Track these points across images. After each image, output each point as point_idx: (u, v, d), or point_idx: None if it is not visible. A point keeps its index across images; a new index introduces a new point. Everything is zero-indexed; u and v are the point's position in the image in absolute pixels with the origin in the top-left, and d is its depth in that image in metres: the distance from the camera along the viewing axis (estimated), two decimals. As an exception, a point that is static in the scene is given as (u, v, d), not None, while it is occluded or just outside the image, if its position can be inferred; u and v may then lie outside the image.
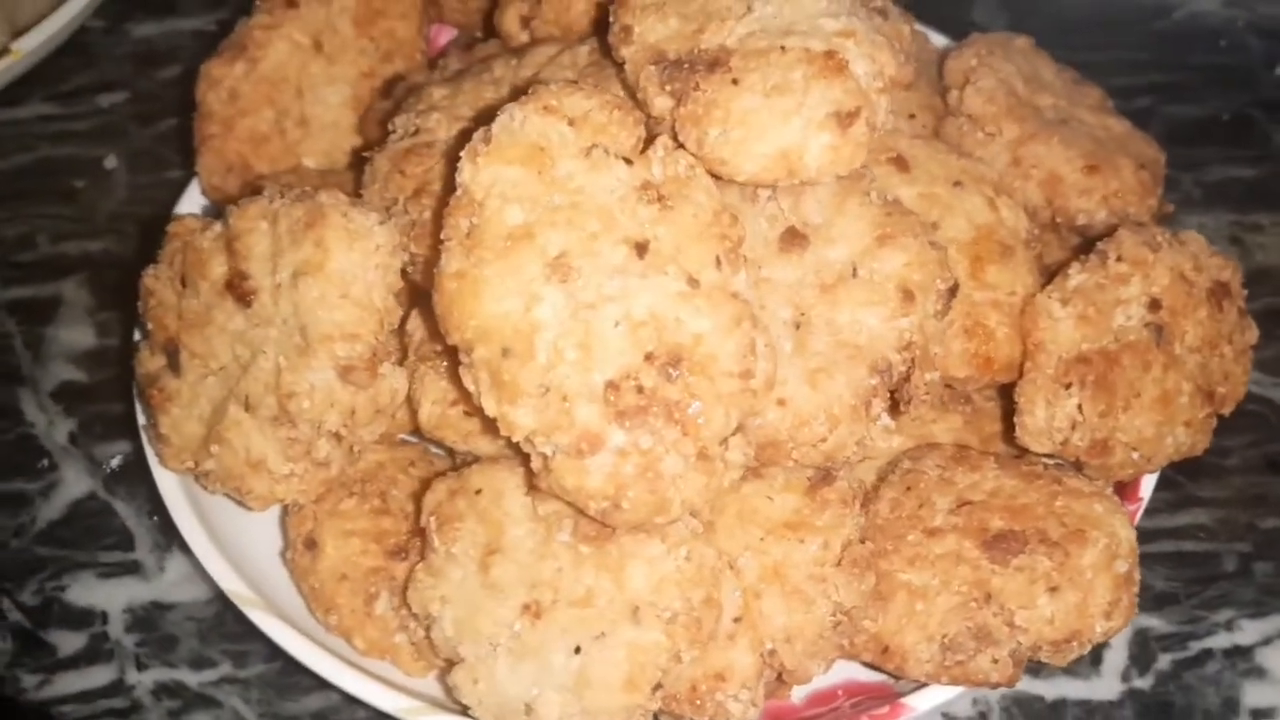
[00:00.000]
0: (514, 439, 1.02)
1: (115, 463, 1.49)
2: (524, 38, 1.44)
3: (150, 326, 1.28)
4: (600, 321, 1.01)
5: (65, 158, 1.81)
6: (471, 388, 1.05)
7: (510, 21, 1.44)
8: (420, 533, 1.20)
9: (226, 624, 1.36)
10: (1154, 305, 1.19)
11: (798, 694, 1.21)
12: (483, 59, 1.39)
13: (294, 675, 1.31)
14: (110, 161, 1.81)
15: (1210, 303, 1.22)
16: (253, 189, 1.46)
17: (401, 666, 1.21)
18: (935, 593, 1.12)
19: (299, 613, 1.24)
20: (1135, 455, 1.19)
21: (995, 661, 1.09)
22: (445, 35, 1.69)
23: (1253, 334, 1.28)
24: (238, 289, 1.19)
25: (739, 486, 1.14)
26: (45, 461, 1.50)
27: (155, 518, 1.44)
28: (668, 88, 1.09)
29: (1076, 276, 1.20)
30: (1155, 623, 1.34)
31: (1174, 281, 1.20)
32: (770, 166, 1.06)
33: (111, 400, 1.53)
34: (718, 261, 1.03)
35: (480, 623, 1.10)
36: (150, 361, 1.28)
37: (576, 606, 1.06)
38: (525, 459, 1.13)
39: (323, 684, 1.28)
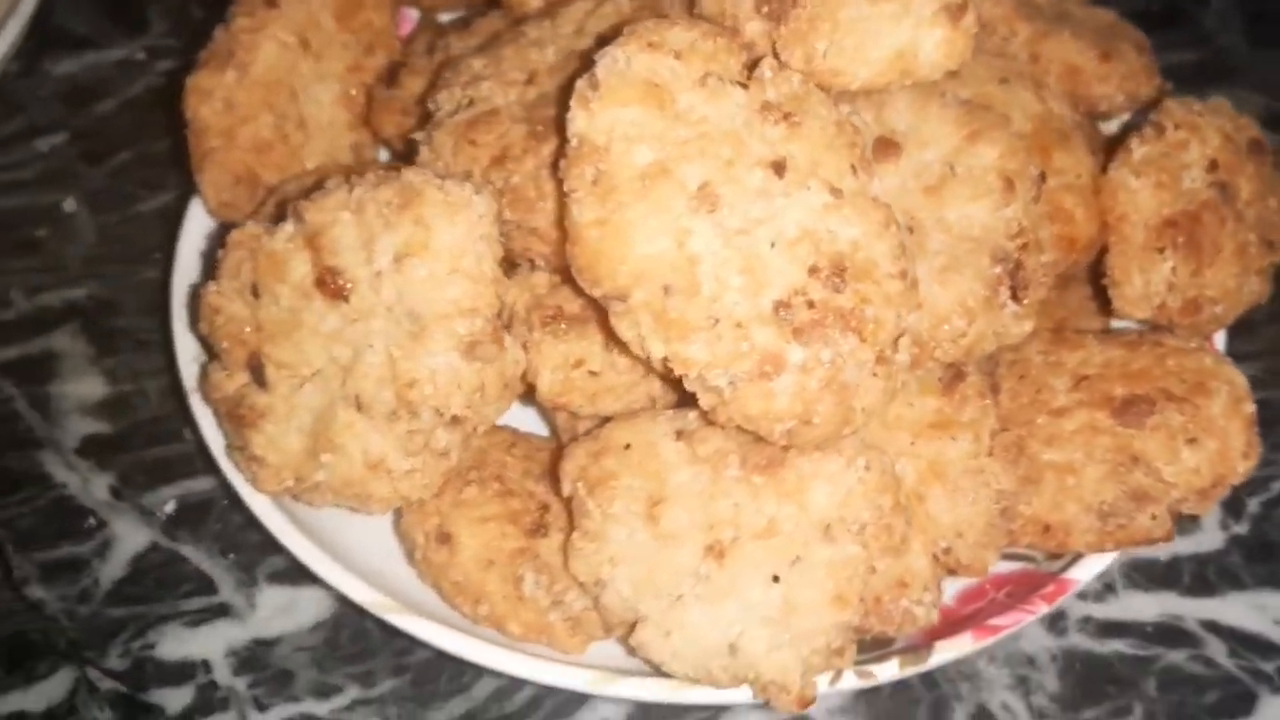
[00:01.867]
0: (688, 376, 1.01)
1: (170, 508, 1.40)
2: (536, 1, 1.41)
3: (225, 345, 1.20)
4: (756, 245, 1.01)
5: (19, 208, 1.68)
6: (630, 334, 1.03)
7: (519, -12, 1.41)
8: (550, 506, 1.17)
9: (341, 646, 1.29)
10: (1212, 166, 1.25)
11: (947, 596, 1.23)
12: (516, 22, 1.35)
13: (426, 684, 1.26)
14: (69, 205, 1.69)
15: (1253, 158, 1.29)
16: (276, 201, 1.40)
17: (558, 645, 1.18)
18: (1082, 465, 1.15)
19: (437, 611, 1.19)
20: (1219, 309, 1.25)
21: (1154, 518, 1.13)
22: (406, 24, 1.65)
23: (1287, 189, 1.36)
24: (331, 285, 1.14)
25: (879, 397, 1.15)
26: (91, 520, 1.39)
27: (231, 555, 1.36)
28: (764, 9, 1.08)
29: (1140, 149, 1.25)
30: (1236, 471, 1.40)
31: (1223, 141, 1.27)
32: (886, 70, 1.07)
33: (147, 446, 1.44)
34: (853, 169, 1.03)
35: (660, 575, 1.07)
36: (229, 382, 1.21)
37: (762, 538, 1.05)
38: (672, 404, 1.12)
39: (461, 686, 1.25)
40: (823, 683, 1.09)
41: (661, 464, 1.10)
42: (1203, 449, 1.14)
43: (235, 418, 1.20)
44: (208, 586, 1.34)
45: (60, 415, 1.48)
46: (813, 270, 1.00)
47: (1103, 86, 1.41)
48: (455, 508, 1.19)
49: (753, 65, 1.06)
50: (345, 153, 1.52)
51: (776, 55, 1.08)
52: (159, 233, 1.58)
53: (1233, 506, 1.38)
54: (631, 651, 1.10)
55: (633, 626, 1.09)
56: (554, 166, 1.10)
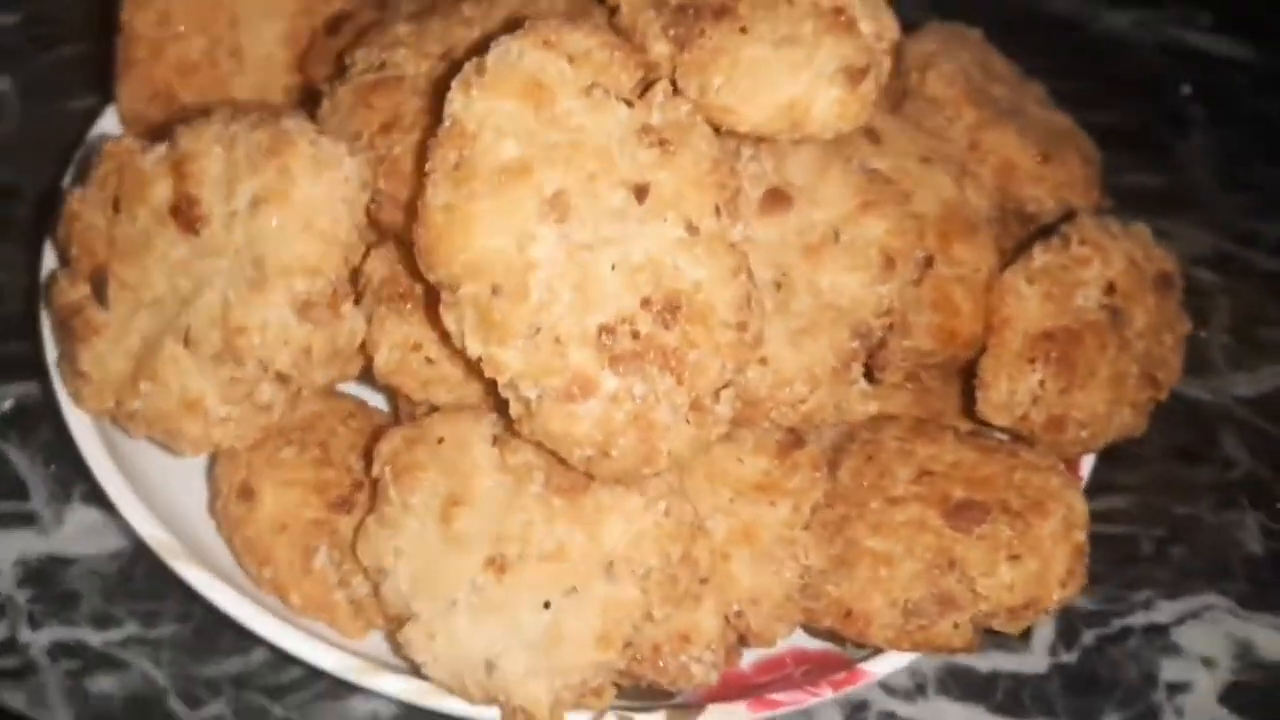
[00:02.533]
0: (500, 381, 0.98)
1: (8, 405, 1.37)
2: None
3: (74, 253, 1.18)
4: (597, 264, 0.98)
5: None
6: (453, 327, 1.00)
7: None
8: (364, 485, 1.14)
9: (135, 580, 1.26)
10: (1110, 289, 1.22)
11: (746, 661, 1.19)
12: (448, -1, 1.33)
13: (209, 637, 1.23)
14: (3, 83, 1.67)
15: (1156, 291, 1.27)
16: (180, 119, 1.37)
17: (338, 626, 1.15)
18: (899, 559, 1.12)
19: (226, 568, 1.16)
20: (1085, 433, 1.22)
21: (957, 627, 1.10)
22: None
23: (1186, 325, 1.33)
24: (186, 215, 1.11)
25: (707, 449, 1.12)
26: (-73, 406, 1.37)
27: (53, 466, 1.33)
28: (670, 33, 1.06)
29: (1041, 257, 1.22)
30: (1080, 601, 1.36)
31: (1128, 267, 1.24)
32: (776, 118, 1.04)
33: (9, 339, 1.41)
34: (717, 210, 1.01)
35: (439, 577, 1.04)
36: (71, 291, 1.18)
37: (547, 561, 1.02)
38: (494, 406, 1.08)
39: (241, 646, 1.21)
40: (583, 721, 1.06)
41: (470, 465, 1.07)
42: (1023, 568, 1.11)
43: (68, 328, 1.17)
44: (20, 491, 1.31)
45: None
46: (645, 302, 0.97)
47: (1035, 188, 1.38)
48: (266, 465, 1.16)
49: (648, 86, 1.04)
50: (278, 94, 1.49)
51: (674, 81, 1.06)
52: (81, 133, 1.55)
53: (1067, 635, 1.34)
54: (396, 647, 1.07)
55: (400, 623, 1.06)
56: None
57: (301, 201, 1.07)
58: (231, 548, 1.16)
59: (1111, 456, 1.48)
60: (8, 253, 1.49)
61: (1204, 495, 1.49)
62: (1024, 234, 1.39)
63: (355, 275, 1.15)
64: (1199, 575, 1.41)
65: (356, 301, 1.15)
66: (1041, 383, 1.18)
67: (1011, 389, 1.19)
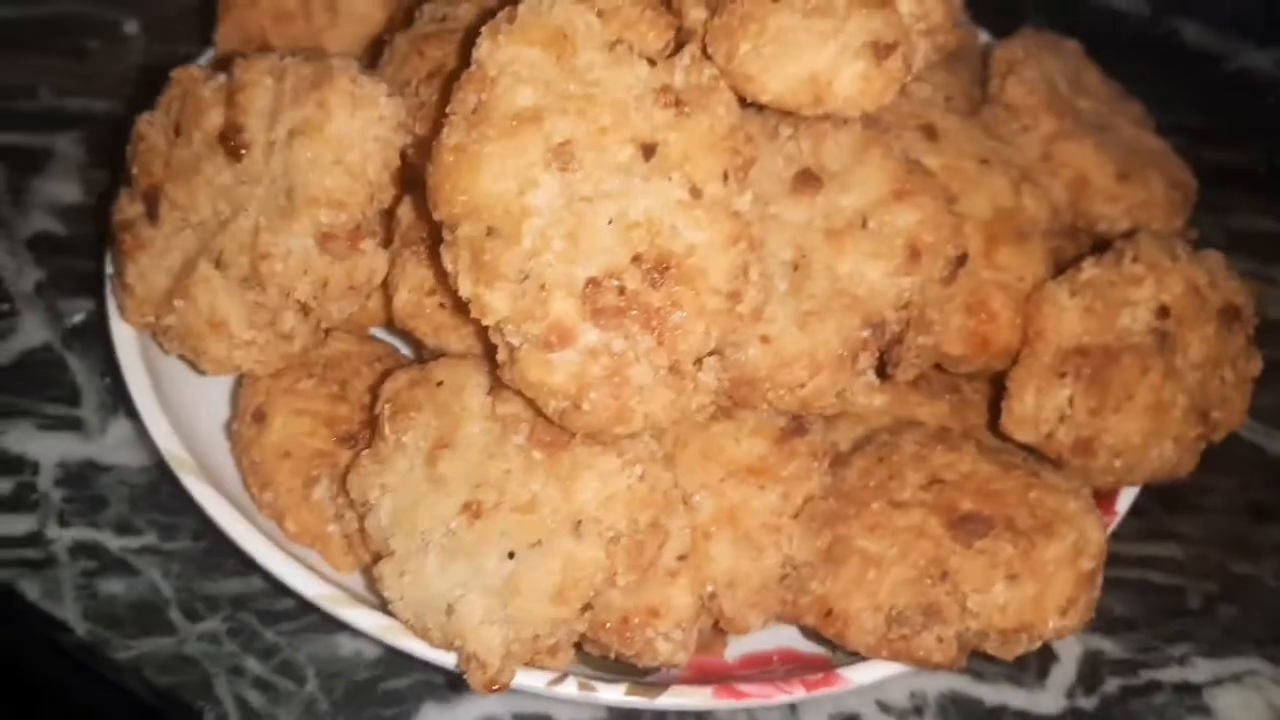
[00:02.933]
0: (485, 323, 0.98)
1: (78, 318, 1.45)
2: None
3: (135, 172, 1.23)
4: (594, 216, 0.97)
5: (83, 16, 1.77)
6: (450, 266, 1.00)
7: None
8: (373, 421, 1.15)
9: (160, 494, 1.30)
10: (1163, 312, 1.15)
11: (732, 653, 1.16)
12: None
13: (218, 556, 1.26)
14: (130, 27, 1.77)
15: (1220, 321, 1.19)
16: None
17: (329, 558, 1.16)
18: (891, 563, 1.07)
19: (235, 490, 1.19)
20: (1118, 462, 1.14)
21: (940, 641, 1.05)
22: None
23: (1256, 364, 1.24)
24: (230, 141, 1.15)
25: (708, 424, 1.10)
26: (6, 306, 1.45)
27: (107, 379, 1.39)
28: (705, -3, 1.05)
29: (1090, 270, 1.16)
30: (1108, 646, 1.29)
31: (1187, 292, 1.16)
32: (797, 89, 1.02)
33: (85, 256, 1.48)
34: (725, 176, 0.99)
35: (418, 516, 1.05)
36: (129, 208, 1.24)
37: (519, 512, 1.02)
38: (492, 356, 1.09)
39: (244, 568, 1.24)
40: (538, 680, 1.05)
41: (462, 410, 1.08)
42: (1019, 589, 1.05)
43: (119, 243, 1.22)
44: (74, 398, 1.38)
45: (29, 207, 1.55)
46: (636, 258, 0.96)
47: (1108, 207, 1.32)
48: (282, 392, 1.19)
49: (678, 48, 1.03)
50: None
51: (705, 46, 1.05)
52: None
53: (1089, 678, 1.26)
54: (371, 583, 1.08)
55: (379, 558, 1.07)
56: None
57: (334, 136, 1.10)
58: (239, 469, 1.19)
59: (1173, 503, 1.41)
60: (105, 178, 1.56)
61: (1270, 556, 1.38)
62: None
63: (388, 217, 1.17)
64: (1247, 638, 1.31)
65: (387, 244, 1.17)
66: (1070, 400, 1.12)
67: (1038, 403, 1.13)
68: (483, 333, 1.01)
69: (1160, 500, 1.41)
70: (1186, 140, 1.82)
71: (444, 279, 1.10)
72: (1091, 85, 1.43)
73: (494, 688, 1.00)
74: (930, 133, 1.23)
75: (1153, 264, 1.16)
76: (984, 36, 1.58)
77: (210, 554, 1.27)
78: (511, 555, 1.00)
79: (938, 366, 1.23)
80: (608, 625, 1.06)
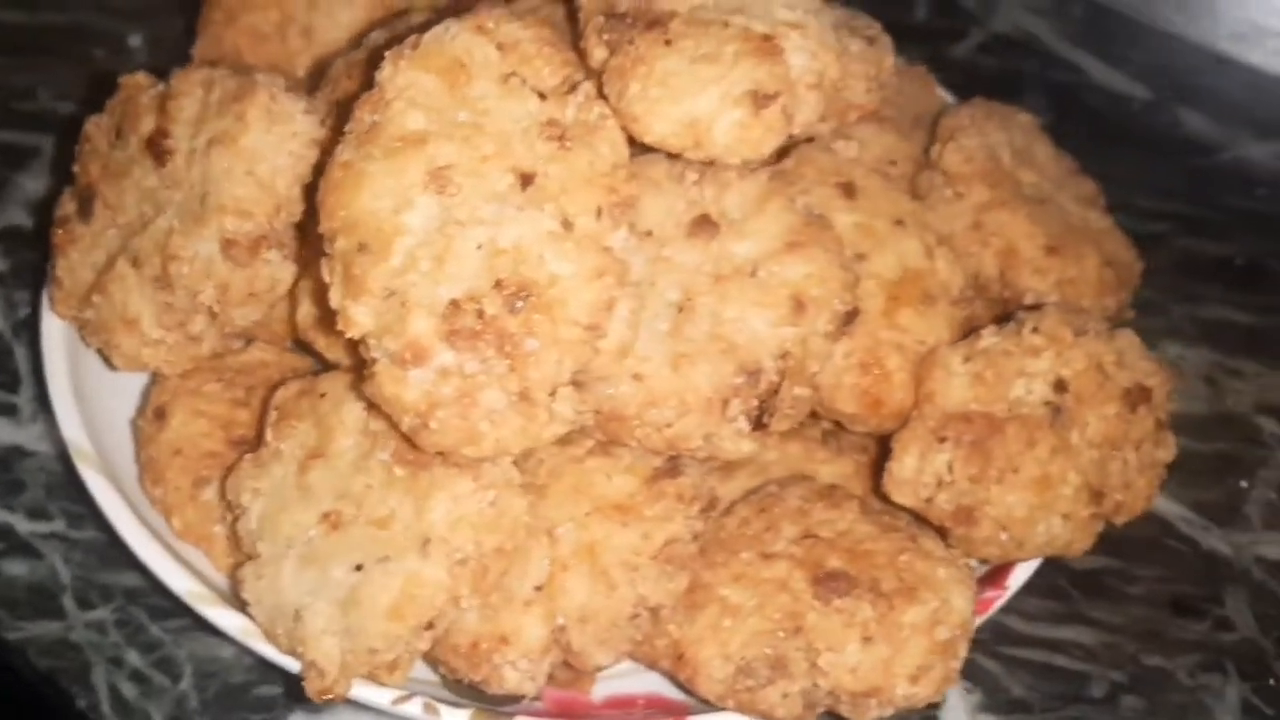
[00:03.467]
0: (349, 335, 1.00)
1: (27, 311, 1.50)
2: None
3: (77, 170, 1.28)
4: (464, 240, 0.99)
5: (92, 26, 1.85)
6: (326, 277, 1.03)
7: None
8: (260, 428, 1.17)
9: (77, 484, 1.33)
10: (1060, 386, 1.13)
11: (600, 692, 1.16)
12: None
13: (120, 549, 1.26)
14: (135, 40, 1.84)
15: (1124, 402, 1.16)
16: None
17: (213, 558, 1.18)
18: (748, 613, 1.06)
19: (133, 487, 1.22)
20: (1004, 536, 1.12)
21: (785, 696, 1.03)
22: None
23: (1168, 450, 1.21)
24: (156, 146, 1.19)
25: (584, 459, 1.10)
26: (-34, 292, 1.51)
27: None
28: (606, 38, 1.07)
29: (988, 339, 1.15)
30: (997, 725, 1.26)
31: (1089, 369, 1.14)
32: (679, 132, 1.03)
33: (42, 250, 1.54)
34: (598, 212, 1.00)
35: (282, 522, 1.07)
36: (68, 205, 1.29)
37: (374, 526, 1.03)
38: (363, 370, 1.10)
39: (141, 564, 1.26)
40: (383, 697, 1.05)
41: (338, 422, 1.09)
42: (872, 652, 1.03)
43: (54, 236, 1.27)
44: (13, 385, 1.43)
45: (6, 201, 1.62)
46: (499, 284, 0.97)
47: (1035, 280, 1.30)
48: (187, 393, 1.22)
49: (574, 86, 1.05)
50: (345, 76, 1.58)
51: (601, 85, 1.06)
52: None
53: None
54: (236, 586, 1.10)
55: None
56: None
57: (248, 148, 1.13)
58: (137, 463, 1.22)
59: (1093, 589, 1.38)
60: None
61: (1186, 652, 1.34)
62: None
63: (300, 231, 1.20)
64: (1148, 734, 1.27)
65: (296, 258, 1.19)
66: (950, 465, 1.10)
67: (918, 466, 1.11)
68: (352, 346, 1.03)
69: (1080, 584, 1.38)
70: (1170, 227, 1.81)
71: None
72: (1040, 159, 1.42)
73: (327, 697, 1.01)
74: (848, 190, 1.23)
75: (1054, 337, 1.14)
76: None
77: (113, 546, 1.28)
78: (359, 568, 1.01)
79: (839, 425, 1.23)
80: (458, 649, 1.06)
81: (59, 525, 1.31)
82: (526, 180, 1.00)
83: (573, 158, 1.01)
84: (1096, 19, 2.08)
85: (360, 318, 0.99)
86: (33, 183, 1.64)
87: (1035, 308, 1.19)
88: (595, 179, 1.01)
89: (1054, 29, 2.09)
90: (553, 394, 0.98)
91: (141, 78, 1.27)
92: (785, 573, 1.08)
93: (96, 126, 1.29)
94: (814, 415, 1.23)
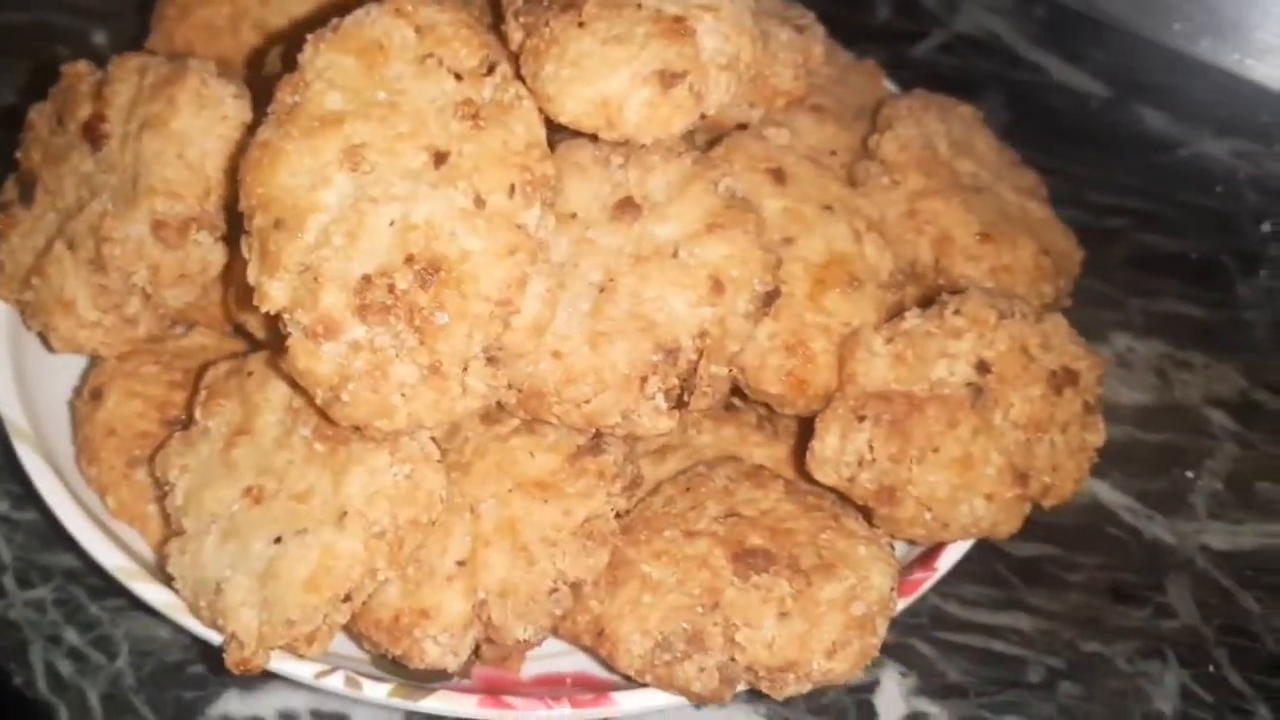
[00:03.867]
0: (264, 310, 1.01)
1: None
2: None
3: (19, 156, 1.30)
4: (376, 216, 1.00)
5: (57, 25, 1.87)
6: (246, 255, 1.04)
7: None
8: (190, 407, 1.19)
9: (18, 465, 1.35)
10: (982, 367, 1.14)
11: (529, 670, 1.16)
12: None
13: (59, 528, 1.29)
14: (99, 38, 1.86)
15: (1049, 384, 1.16)
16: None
17: (147, 536, 1.20)
18: (667, 589, 1.07)
19: (72, 467, 1.23)
20: (928, 515, 1.13)
21: (701, 671, 1.04)
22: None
23: (1097, 435, 1.21)
24: (92, 131, 1.21)
25: (508, 437, 1.11)
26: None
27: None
28: (522, 20, 1.08)
29: (911, 320, 1.15)
30: (934, 710, 1.26)
31: (1012, 351, 1.15)
32: (590, 112, 1.05)
33: None
34: (511, 189, 1.01)
35: (206, 498, 1.08)
36: (10, 191, 1.30)
37: (294, 500, 1.04)
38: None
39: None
40: (306, 671, 1.06)
41: (263, 400, 1.11)
42: (787, 627, 1.03)
43: (-2, 221, 1.29)
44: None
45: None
46: (410, 259, 0.98)
47: (969, 266, 1.30)
48: (123, 375, 1.23)
49: (491, 67, 1.06)
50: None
51: (518, 68, 1.08)
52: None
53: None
54: (162, 561, 1.11)
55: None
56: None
57: (178, 131, 1.15)
58: (74, 443, 1.24)
59: (1033, 576, 1.39)
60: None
61: (1125, 639, 1.34)
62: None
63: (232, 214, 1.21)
64: (1084, 720, 1.27)
65: (226, 240, 1.21)
66: (870, 444, 1.11)
67: (839, 446, 1.12)
68: (273, 323, 1.04)
69: (1019, 571, 1.38)
70: (1127, 223, 1.82)
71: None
72: (979, 149, 1.43)
73: (245, 668, 1.01)
74: (778, 176, 1.24)
75: (976, 318, 1.14)
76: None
77: (54, 527, 1.30)
78: (278, 540, 1.03)
79: (768, 408, 1.23)
80: (380, 623, 1.07)
81: (3, 506, 1.33)
82: (440, 158, 1.02)
83: (486, 136, 1.02)
84: (1058, 19, 2.09)
85: (275, 293, 1.00)
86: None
87: (961, 291, 1.19)
88: (508, 157, 1.02)
89: (1015, 29, 2.10)
90: (465, 368, 0.99)
91: (82, 66, 1.30)
92: (706, 550, 1.09)
93: (39, 114, 1.30)
94: (746, 399, 1.24)
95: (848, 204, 1.25)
